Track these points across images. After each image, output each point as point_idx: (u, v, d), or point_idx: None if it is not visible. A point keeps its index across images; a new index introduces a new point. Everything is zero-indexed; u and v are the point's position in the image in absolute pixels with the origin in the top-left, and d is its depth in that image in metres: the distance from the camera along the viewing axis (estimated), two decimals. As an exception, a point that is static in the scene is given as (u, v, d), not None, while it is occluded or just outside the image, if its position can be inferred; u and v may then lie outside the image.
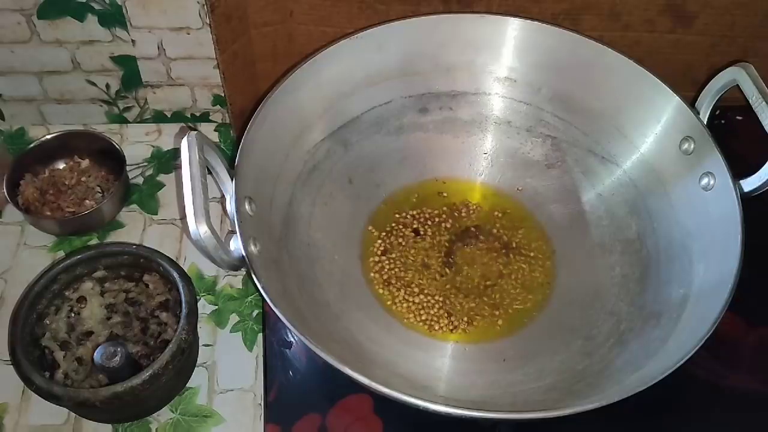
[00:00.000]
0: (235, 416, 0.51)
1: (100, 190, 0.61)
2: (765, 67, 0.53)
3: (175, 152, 0.66)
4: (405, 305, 0.54)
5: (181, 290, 0.49)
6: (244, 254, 0.45)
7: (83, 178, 0.62)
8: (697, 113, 0.54)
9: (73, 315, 0.51)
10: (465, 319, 0.54)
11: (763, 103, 0.50)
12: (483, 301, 0.55)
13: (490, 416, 0.41)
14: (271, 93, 0.52)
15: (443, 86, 0.60)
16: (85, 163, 0.63)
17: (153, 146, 0.66)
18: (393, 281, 0.56)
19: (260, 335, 0.55)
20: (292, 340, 0.55)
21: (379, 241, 0.58)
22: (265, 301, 0.43)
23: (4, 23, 0.58)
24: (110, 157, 0.62)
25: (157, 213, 0.62)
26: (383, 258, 0.57)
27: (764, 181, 0.49)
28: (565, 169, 0.60)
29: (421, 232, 0.59)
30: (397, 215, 0.59)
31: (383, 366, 0.49)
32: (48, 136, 0.62)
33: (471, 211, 0.60)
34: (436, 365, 0.52)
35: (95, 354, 0.46)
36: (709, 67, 0.61)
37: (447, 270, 0.57)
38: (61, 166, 0.63)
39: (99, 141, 0.62)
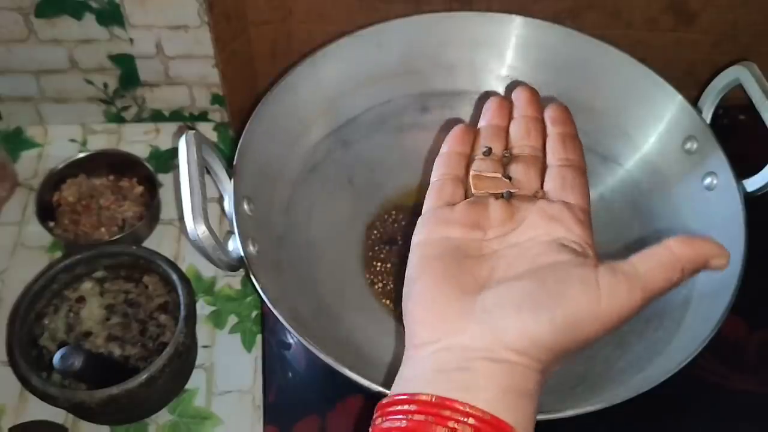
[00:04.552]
0: (233, 418, 0.51)
1: (120, 224, 0.59)
2: (768, 65, 0.52)
3: (174, 152, 0.66)
4: (405, 306, 0.54)
5: (180, 293, 0.49)
6: (242, 255, 0.44)
7: (114, 206, 0.59)
8: (699, 112, 0.53)
9: (72, 315, 0.51)
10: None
11: (767, 102, 0.49)
12: (484, 301, 0.55)
13: (490, 418, 0.40)
14: (270, 92, 0.52)
15: (444, 85, 0.60)
16: (131, 190, 0.61)
17: (151, 146, 0.66)
18: (393, 282, 0.55)
19: (259, 336, 0.55)
20: (291, 341, 0.54)
21: (380, 242, 0.57)
22: (264, 302, 0.43)
23: (2, 22, 0.58)
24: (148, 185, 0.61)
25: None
26: (383, 258, 0.57)
27: (767, 180, 0.49)
28: (567, 169, 0.60)
29: (422, 232, 0.58)
30: (397, 215, 0.59)
31: (383, 368, 0.49)
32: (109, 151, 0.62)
33: (472, 211, 0.60)
34: (436, 366, 0.51)
35: (54, 358, 0.44)
36: (712, 66, 0.61)
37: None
38: (105, 182, 0.61)
39: (142, 168, 0.61)
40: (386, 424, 0.27)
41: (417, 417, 0.26)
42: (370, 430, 0.28)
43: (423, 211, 0.36)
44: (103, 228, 0.58)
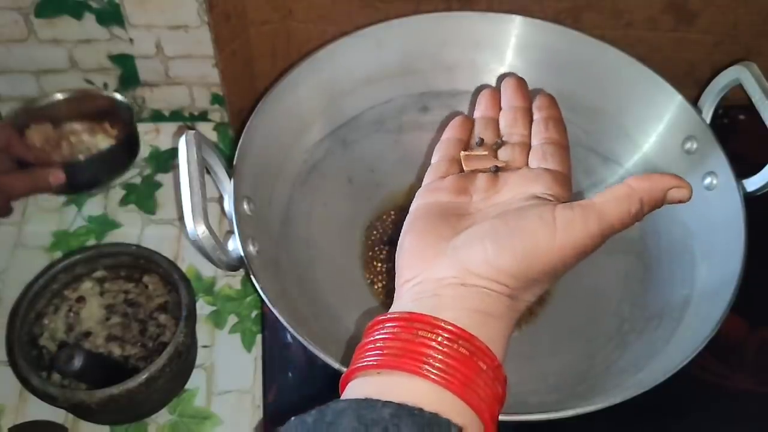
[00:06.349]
0: (233, 418, 0.51)
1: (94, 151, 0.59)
2: (768, 65, 0.52)
3: (173, 152, 0.66)
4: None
5: (180, 293, 0.49)
6: (242, 254, 0.44)
7: (86, 137, 0.59)
8: (699, 112, 0.53)
9: (72, 315, 0.51)
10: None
11: (767, 102, 0.49)
12: (484, 301, 0.55)
13: (491, 418, 0.40)
14: (270, 92, 0.52)
15: (444, 85, 0.60)
16: (105, 130, 0.61)
17: (151, 146, 0.66)
18: (394, 282, 0.55)
19: (259, 336, 0.55)
20: (291, 341, 0.54)
21: (379, 242, 0.57)
22: (264, 301, 0.43)
23: (1, 22, 0.58)
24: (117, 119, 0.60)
25: (155, 213, 0.62)
26: (383, 258, 0.57)
27: (767, 180, 0.49)
28: (567, 169, 0.60)
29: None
30: (396, 215, 0.59)
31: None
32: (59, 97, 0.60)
33: (471, 211, 0.60)
34: (436, 366, 0.51)
35: (54, 358, 0.44)
36: (712, 66, 0.61)
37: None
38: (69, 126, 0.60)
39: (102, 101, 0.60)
40: (365, 340, 0.31)
41: (389, 329, 0.30)
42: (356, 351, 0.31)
43: (422, 185, 0.40)
44: (81, 155, 0.58)
